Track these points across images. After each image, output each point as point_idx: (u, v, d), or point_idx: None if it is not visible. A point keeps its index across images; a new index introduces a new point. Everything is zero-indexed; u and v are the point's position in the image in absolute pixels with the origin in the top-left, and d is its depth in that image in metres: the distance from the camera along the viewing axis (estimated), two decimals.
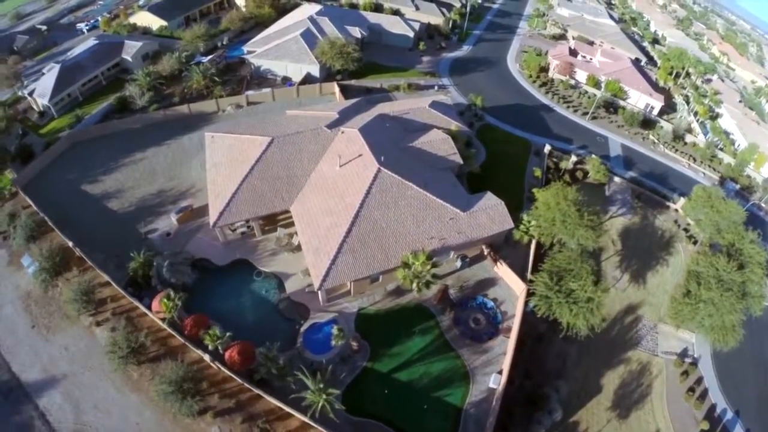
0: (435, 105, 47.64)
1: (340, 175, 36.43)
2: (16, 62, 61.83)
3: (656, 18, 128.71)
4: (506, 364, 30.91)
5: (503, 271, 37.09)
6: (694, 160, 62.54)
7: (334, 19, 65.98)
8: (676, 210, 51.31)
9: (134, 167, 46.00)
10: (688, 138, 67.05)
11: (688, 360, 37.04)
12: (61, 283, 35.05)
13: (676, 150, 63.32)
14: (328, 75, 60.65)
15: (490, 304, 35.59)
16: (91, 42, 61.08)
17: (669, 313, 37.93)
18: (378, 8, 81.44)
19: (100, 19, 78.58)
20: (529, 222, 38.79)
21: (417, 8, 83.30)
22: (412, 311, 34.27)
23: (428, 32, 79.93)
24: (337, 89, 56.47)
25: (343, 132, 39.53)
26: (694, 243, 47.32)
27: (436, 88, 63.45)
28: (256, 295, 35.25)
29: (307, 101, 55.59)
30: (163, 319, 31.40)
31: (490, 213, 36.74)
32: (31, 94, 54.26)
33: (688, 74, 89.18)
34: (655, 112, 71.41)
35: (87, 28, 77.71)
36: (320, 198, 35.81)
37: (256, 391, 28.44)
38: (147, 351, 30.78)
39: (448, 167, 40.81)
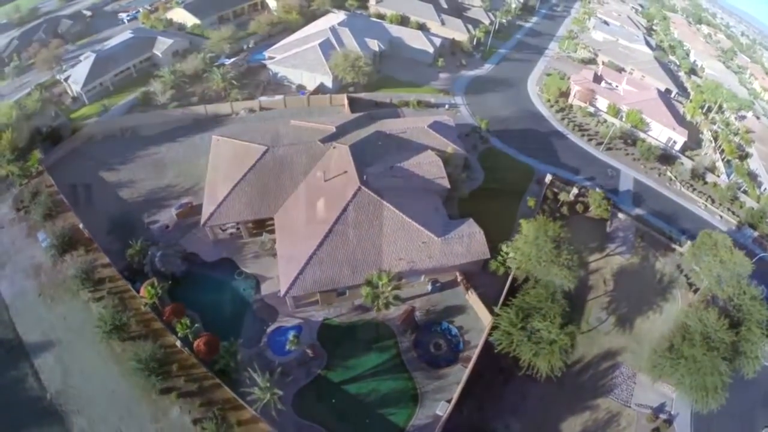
0: (435, 125, 47.88)
1: (324, 189, 37.94)
2: (58, 46, 66.28)
3: (698, 48, 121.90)
4: (457, 393, 31.37)
5: (473, 300, 37.27)
6: (713, 201, 59.32)
7: (355, 31, 67.40)
8: (682, 254, 49.12)
9: (148, 160, 49.46)
10: (709, 177, 63.71)
11: (663, 416, 35.04)
12: (68, 259, 38.72)
13: (694, 189, 60.25)
14: (341, 86, 62.13)
15: (455, 331, 35.87)
16: (127, 34, 65.53)
17: (647, 364, 35.86)
18: (404, 21, 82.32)
19: (141, 10, 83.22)
20: (506, 254, 38.79)
21: (443, 23, 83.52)
22: (375, 328, 35.29)
23: (451, 49, 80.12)
24: (345, 101, 57.85)
25: (334, 147, 41.07)
26: (695, 291, 44.95)
27: (446, 106, 63.61)
28: (235, 292, 37.51)
29: (316, 111, 57.33)
30: (145, 304, 34.31)
31: (467, 241, 37.07)
32: (66, 79, 58.83)
33: (720, 109, 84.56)
34: (678, 147, 68.30)
35: (128, 18, 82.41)
36: (302, 209, 37.53)
37: (217, 380, 30.75)
38: (131, 329, 33.80)
39: (435, 191, 41.46)
